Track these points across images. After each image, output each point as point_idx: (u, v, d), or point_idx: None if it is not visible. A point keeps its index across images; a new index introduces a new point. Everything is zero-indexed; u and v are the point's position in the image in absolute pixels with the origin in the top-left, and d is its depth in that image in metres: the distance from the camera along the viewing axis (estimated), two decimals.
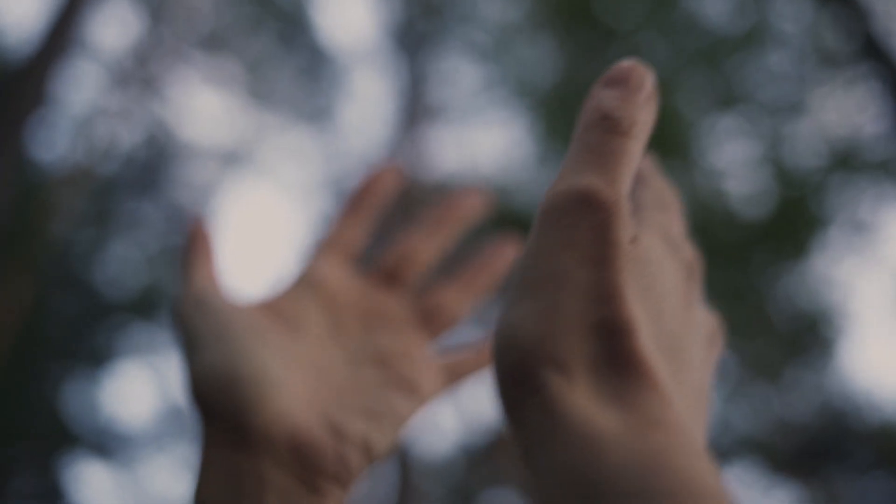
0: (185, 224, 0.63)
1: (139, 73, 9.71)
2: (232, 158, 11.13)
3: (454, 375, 0.43)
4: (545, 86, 8.83)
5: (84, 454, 9.37)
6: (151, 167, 10.16)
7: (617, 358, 0.23)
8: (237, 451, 0.34)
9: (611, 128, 0.27)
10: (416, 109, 9.93)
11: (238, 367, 0.34)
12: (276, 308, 0.40)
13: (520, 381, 0.24)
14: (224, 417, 0.34)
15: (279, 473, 0.34)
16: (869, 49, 5.88)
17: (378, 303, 0.43)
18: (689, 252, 0.31)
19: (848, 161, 7.51)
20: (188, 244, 0.42)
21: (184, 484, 11.29)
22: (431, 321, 0.44)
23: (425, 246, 0.45)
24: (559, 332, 0.24)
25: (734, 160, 8.03)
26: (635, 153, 0.27)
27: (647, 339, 0.25)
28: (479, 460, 13.28)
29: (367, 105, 12.85)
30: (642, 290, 0.26)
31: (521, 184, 9.06)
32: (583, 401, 0.22)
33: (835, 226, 7.84)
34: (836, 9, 6.04)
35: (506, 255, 0.46)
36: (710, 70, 8.09)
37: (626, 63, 0.28)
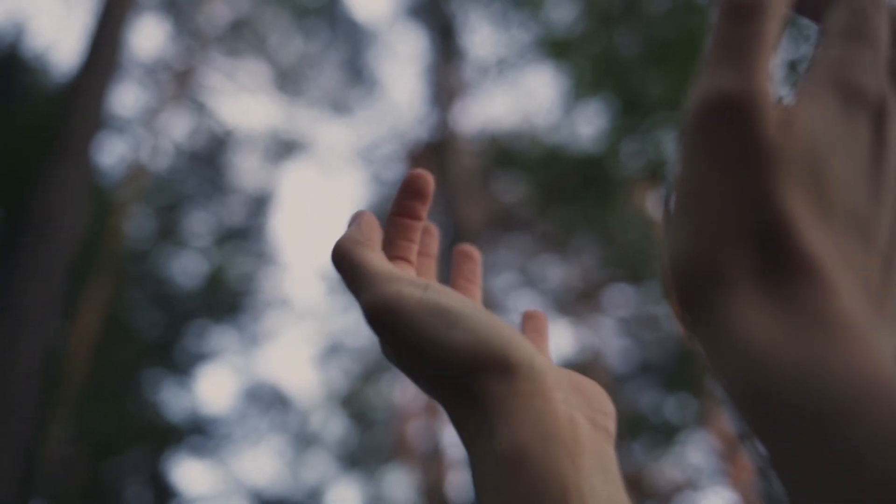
0: (353, 214, 0.44)
1: (183, 72, 9.94)
2: (280, 141, 11.34)
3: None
4: (568, 27, 8.84)
5: (184, 444, 9.75)
6: (206, 159, 10.42)
7: (777, 259, 0.23)
8: (540, 394, 0.33)
9: (739, 12, 0.25)
10: (448, 68, 10.00)
11: (502, 327, 0.35)
12: None
13: (688, 302, 0.24)
14: (515, 364, 0.33)
15: (580, 413, 0.35)
16: None
17: None
18: (877, 89, 0.27)
19: None
20: (346, 237, 0.39)
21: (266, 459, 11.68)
22: None
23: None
24: (717, 248, 0.23)
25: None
26: (772, 31, 0.25)
27: (814, 228, 0.23)
28: None
29: (402, 69, 12.91)
30: (806, 176, 0.24)
31: (557, 125, 9.09)
32: (747, 312, 0.22)
33: None
34: None
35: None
36: None
37: None
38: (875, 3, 0.28)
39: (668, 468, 13.28)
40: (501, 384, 0.33)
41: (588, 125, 8.85)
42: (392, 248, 0.42)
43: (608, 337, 13.71)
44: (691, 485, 13.04)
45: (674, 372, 11.72)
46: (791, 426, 0.20)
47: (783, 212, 0.23)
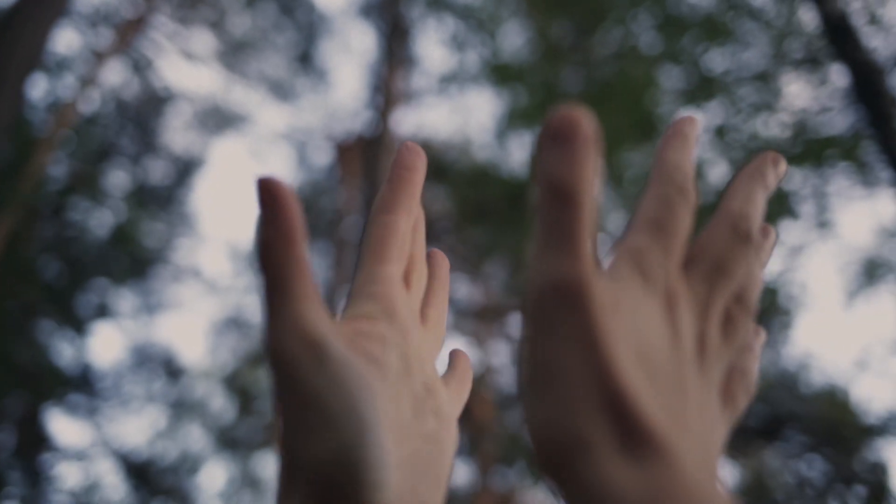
0: (262, 194, 0.30)
1: (131, 23, 9.80)
2: (215, 113, 11.24)
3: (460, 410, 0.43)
4: (515, 54, 9.04)
5: (63, 396, 9.55)
6: (139, 114, 10.27)
7: (626, 429, 0.26)
8: None
9: (559, 198, 0.27)
10: (393, 69, 10.09)
11: (366, 448, 0.30)
12: (369, 337, 0.36)
13: (552, 468, 0.26)
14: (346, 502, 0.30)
15: None
16: (835, 39, 6.11)
17: (418, 327, 0.41)
18: (666, 278, 0.32)
19: (811, 149, 7.71)
20: (273, 231, 0.31)
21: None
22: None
23: (419, 249, 0.43)
24: (573, 419, 0.26)
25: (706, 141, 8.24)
26: (590, 213, 0.27)
27: (647, 396, 0.27)
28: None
29: (349, 62, 12.89)
30: (633, 350, 0.28)
31: (489, 144, 9.28)
32: (608, 470, 0.25)
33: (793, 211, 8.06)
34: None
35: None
36: (682, 49, 8.30)
37: (565, 115, 0.28)
38: (681, 193, 0.33)
39: (539, 496, 13.52)
40: None
41: (519, 150, 9.06)
42: (394, 200, 0.41)
43: (501, 359, 13.94)
44: None
45: None
46: None
47: (622, 384, 0.26)
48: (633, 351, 0.28)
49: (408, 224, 0.41)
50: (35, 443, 9.18)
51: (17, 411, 9.18)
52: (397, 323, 0.38)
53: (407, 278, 0.41)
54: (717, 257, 0.33)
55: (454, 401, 0.42)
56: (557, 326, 0.27)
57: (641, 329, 0.29)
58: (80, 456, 9.79)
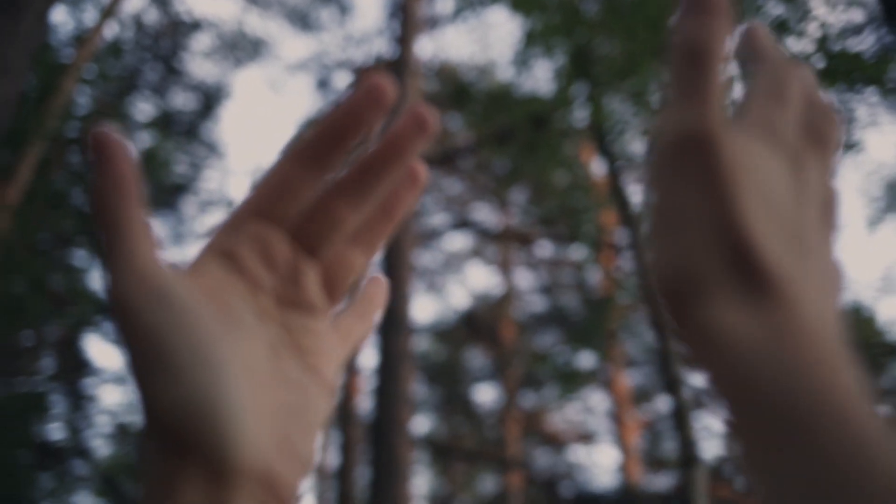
0: (94, 147, 0.30)
1: None
2: (239, 42, 11.24)
3: (347, 352, 0.39)
4: None
5: (99, 321, 9.75)
6: (163, 42, 10.28)
7: (748, 275, 0.27)
8: (214, 488, 0.29)
9: (697, 61, 0.29)
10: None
11: (219, 395, 0.29)
12: (214, 289, 0.34)
13: (675, 309, 0.28)
14: (201, 452, 0.29)
15: None
16: None
17: (297, 276, 0.37)
18: (791, 139, 0.33)
19: (838, 68, 7.60)
20: (106, 182, 0.31)
21: None
22: (334, 287, 0.38)
23: (353, 212, 0.37)
24: (697, 263, 0.28)
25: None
26: (720, 71, 0.30)
27: (771, 243, 0.28)
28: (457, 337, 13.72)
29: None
30: (760, 200, 0.29)
31: (511, 66, 9.24)
32: (727, 315, 0.27)
33: None
34: None
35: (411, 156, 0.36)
36: None
37: None
38: (789, 71, 0.35)
39: (563, 416, 13.77)
40: (174, 466, 0.30)
41: (542, 71, 9.01)
42: (311, 147, 0.35)
43: (526, 284, 14.09)
44: (583, 436, 13.55)
45: (582, 329, 12.08)
46: (761, 424, 0.25)
47: (746, 229, 0.28)
48: (759, 201, 0.29)
49: (315, 174, 0.35)
50: (75, 367, 9.44)
51: (56, 337, 9.42)
52: (248, 279, 0.35)
53: (306, 232, 0.36)
54: (821, 131, 0.35)
55: (343, 338, 0.39)
56: (687, 173, 0.29)
57: (769, 183, 0.30)
58: (118, 378, 10.06)
